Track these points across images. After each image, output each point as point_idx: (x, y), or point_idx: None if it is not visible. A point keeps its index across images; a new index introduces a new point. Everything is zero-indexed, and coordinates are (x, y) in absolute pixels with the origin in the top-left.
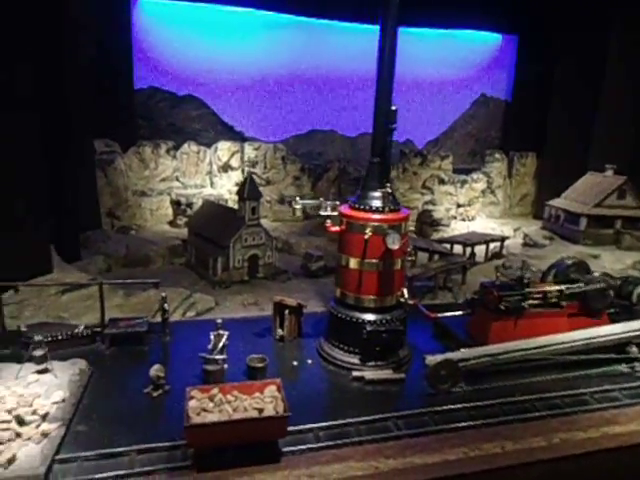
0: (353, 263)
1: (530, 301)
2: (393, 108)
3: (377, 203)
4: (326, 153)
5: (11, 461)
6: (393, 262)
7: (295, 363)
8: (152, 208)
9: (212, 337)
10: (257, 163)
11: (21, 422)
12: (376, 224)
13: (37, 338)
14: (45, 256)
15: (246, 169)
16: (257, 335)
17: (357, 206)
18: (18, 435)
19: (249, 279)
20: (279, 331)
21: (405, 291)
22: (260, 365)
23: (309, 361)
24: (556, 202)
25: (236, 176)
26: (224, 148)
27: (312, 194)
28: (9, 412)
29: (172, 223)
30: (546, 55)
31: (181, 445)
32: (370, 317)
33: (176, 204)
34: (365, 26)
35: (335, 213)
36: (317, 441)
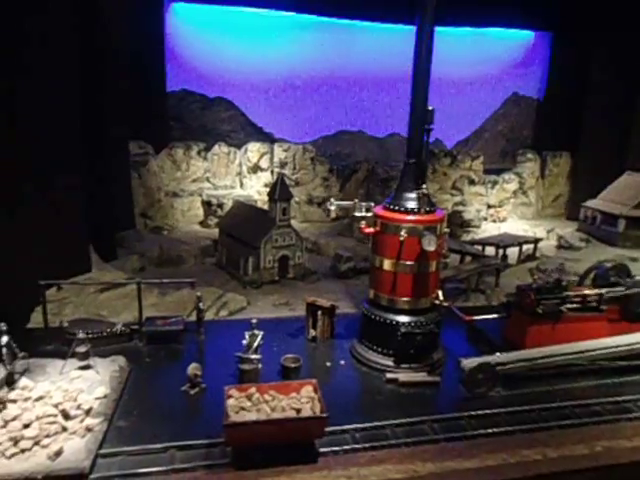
0: (387, 264)
1: (568, 305)
2: (430, 108)
3: (412, 204)
4: (354, 154)
5: (58, 453)
6: (428, 264)
7: (328, 364)
8: (183, 209)
9: (247, 337)
10: (286, 164)
11: (66, 416)
12: (411, 225)
13: (80, 335)
14: (84, 255)
15: (275, 170)
16: (290, 335)
17: (392, 207)
18: (64, 429)
19: (279, 279)
20: (312, 332)
21: (440, 293)
22: (294, 365)
23: (342, 362)
24: (592, 203)
25: (265, 177)
26: (254, 149)
27: (341, 195)
28: (55, 406)
29: (202, 223)
30: (581, 53)
31: (219, 443)
32: (404, 319)
33: (207, 205)
34: (392, 26)
35: (369, 214)
36: (354, 442)
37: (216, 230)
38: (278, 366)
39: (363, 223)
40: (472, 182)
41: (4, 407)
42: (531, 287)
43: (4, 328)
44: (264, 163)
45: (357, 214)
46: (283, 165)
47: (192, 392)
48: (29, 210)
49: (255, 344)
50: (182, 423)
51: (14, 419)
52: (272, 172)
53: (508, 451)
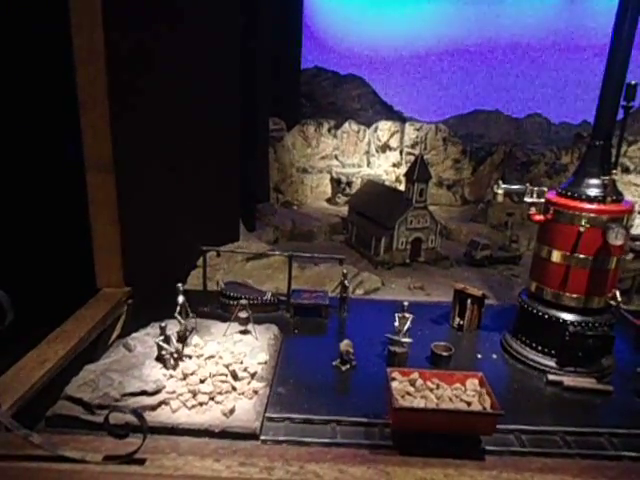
0: (557, 256)
1: None
2: (632, 83)
3: (595, 191)
4: (487, 135)
5: (232, 411)
6: (609, 260)
7: (479, 356)
8: (312, 185)
9: (397, 319)
10: (417, 144)
11: (235, 377)
12: (593, 215)
13: (243, 301)
14: (234, 226)
15: (404, 150)
16: (432, 321)
17: (569, 194)
18: (234, 388)
19: (410, 262)
20: (457, 320)
21: (618, 293)
22: (446, 354)
23: (494, 356)
24: None
25: (394, 157)
26: (384, 128)
27: (472, 178)
28: (226, 366)
29: (330, 200)
30: None
31: (379, 423)
32: (572, 318)
33: (336, 182)
34: None
35: (541, 200)
36: (521, 445)
37: (344, 208)
38: (425, 352)
39: (532, 210)
40: (626, 170)
41: (180, 361)
42: None
43: (181, 288)
44: (394, 142)
45: (527, 199)
46: (413, 145)
47: (343, 368)
48: (193, 179)
49: (405, 327)
50: (337, 398)
51: (192, 373)
52: (401, 152)
53: None
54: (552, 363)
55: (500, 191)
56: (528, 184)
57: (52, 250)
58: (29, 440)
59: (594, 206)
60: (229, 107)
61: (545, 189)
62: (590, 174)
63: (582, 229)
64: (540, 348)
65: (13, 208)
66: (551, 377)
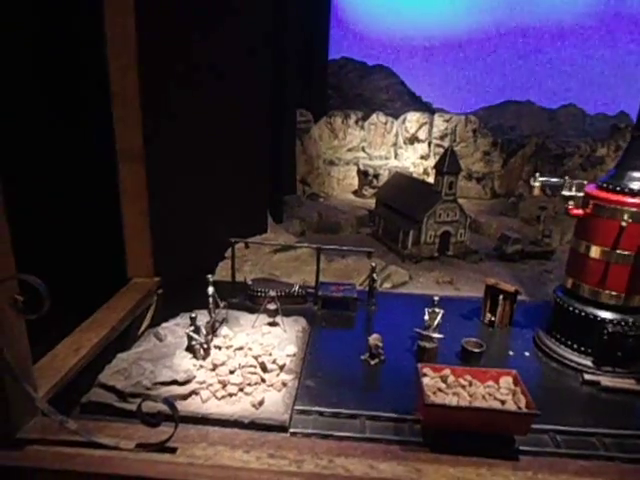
0: (595, 252)
1: None
2: None
3: (639, 185)
4: (519, 127)
5: (261, 403)
6: None
7: (511, 353)
8: (339, 177)
9: (427, 313)
10: (446, 136)
11: (264, 369)
12: (637, 210)
13: (272, 293)
14: (263, 218)
15: (433, 142)
16: (462, 316)
17: (610, 187)
18: (263, 380)
19: (438, 256)
20: (489, 316)
21: None
22: (477, 350)
23: (526, 353)
24: None
25: (422, 149)
26: (413, 119)
27: (502, 171)
28: (255, 358)
29: (356, 193)
30: None
31: (408, 419)
32: (611, 316)
33: (363, 174)
34: None
35: (580, 194)
36: (556, 446)
37: (370, 200)
38: (455, 347)
39: (571, 203)
40: None
41: (209, 353)
42: None
43: (211, 279)
44: (422, 134)
45: (565, 193)
46: (442, 137)
47: (372, 362)
48: (222, 170)
49: (435, 322)
50: (366, 392)
51: (222, 364)
52: (429, 144)
53: None
54: (588, 362)
55: (537, 184)
56: (567, 177)
57: (85, 240)
58: (65, 426)
59: (638, 200)
60: (258, 99)
61: (585, 182)
62: (634, 166)
63: (624, 224)
64: (576, 346)
65: (47, 198)
66: (587, 377)
